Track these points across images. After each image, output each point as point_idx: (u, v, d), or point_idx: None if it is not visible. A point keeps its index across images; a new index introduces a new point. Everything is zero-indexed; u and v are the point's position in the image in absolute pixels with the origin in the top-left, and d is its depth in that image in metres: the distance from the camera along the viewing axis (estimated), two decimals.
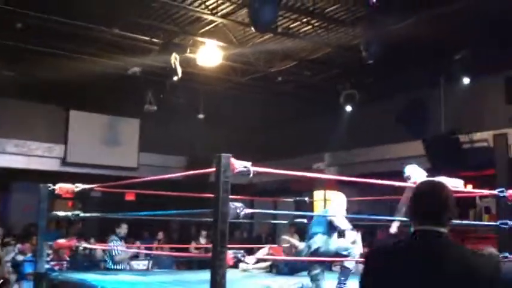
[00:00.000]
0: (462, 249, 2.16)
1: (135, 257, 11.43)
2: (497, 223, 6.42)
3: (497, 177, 10.62)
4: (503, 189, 6.48)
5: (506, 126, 10.76)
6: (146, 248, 11.30)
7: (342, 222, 6.25)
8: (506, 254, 6.40)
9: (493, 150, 10.79)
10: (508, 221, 6.35)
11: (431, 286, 2.05)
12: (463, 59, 10.59)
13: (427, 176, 6.82)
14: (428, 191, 2.27)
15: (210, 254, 4.36)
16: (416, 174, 6.81)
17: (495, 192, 6.58)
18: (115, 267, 8.75)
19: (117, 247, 8.84)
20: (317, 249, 6.17)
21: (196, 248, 12.02)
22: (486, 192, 7.34)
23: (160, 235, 12.61)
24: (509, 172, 10.52)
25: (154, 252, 11.24)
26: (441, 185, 2.28)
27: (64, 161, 14.22)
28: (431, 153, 11.17)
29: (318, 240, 6.19)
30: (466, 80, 10.84)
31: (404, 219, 6.64)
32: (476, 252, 2.19)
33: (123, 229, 8.97)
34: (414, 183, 6.70)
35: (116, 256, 8.87)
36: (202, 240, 12.48)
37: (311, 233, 6.31)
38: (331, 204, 6.85)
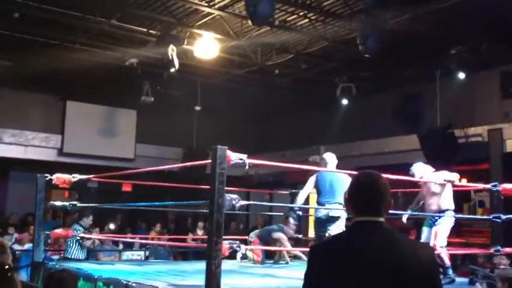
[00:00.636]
0: (401, 238, 2.20)
1: (130, 247, 11.51)
2: (491, 217, 6.52)
3: (490, 171, 10.71)
4: (497, 183, 6.58)
5: (500, 121, 10.83)
6: (142, 239, 11.38)
7: None
8: (499, 247, 6.52)
9: (488, 145, 10.86)
10: (501, 215, 6.45)
11: (375, 274, 2.08)
12: (459, 53, 10.65)
13: (434, 172, 6.89)
14: (365, 182, 2.27)
15: (206, 245, 4.44)
16: (419, 171, 6.85)
17: (488, 186, 6.68)
18: (73, 257, 8.46)
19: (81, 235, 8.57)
20: (335, 218, 6.24)
21: (193, 240, 12.09)
22: (480, 186, 7.42)
23: (158, 227, 12.65)
24: (503, 167, 10.61)
25: (150, 241, 11.30)
26: (377, 177, 2.27)
27: (61, 151, 14.26)
28: (426, 147, 11.24)
29: (338, 210, 6.19)
30: (462, 75, 10.90)
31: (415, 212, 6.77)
32: (414, 240, 2.29)
33: (89, 220, 8.86)
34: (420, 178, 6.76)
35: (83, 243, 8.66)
36: (200, 232, 12.54)
37: (326, 200, 6.32)
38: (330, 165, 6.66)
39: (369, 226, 2.18)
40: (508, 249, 6.52)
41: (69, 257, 8.38)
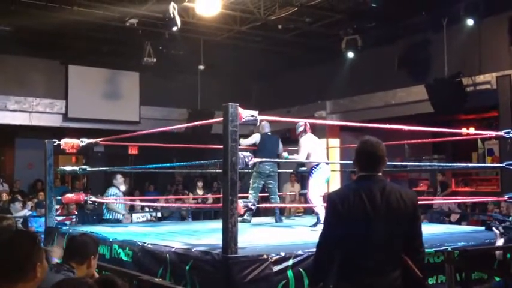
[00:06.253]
0: (392, 186, 3.00)
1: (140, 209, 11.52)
2: (503, 164, 6.45)
3: (499, 119, 10.59)
4: (510, 130, 6.49)
5: (510, 67, 10.63)
6: (152, 201, 11.37)
7: None
8: (511, 195, 6.47)
9: (496, 92, 10.70)
10: None
11: (378, 211, 2.87)
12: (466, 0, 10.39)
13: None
14: (369, 149, 3.00)
15: (220, 204, 4.39)
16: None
17: (501, 133, 6.59)
18: (111, 217, 8.78)
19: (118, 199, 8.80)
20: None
21: (194, 199, 11.98)
22: (492, 133, 7.31)
23: (169, 187, 12.59)
24: None
25: (158, 204, 11.30)
26: (378, 143, 3.02)
27: (66, 117, 14.18)
28: (434, 98, 11.10)
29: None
30: (470, 22, 10.66)
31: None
32: (400, 187, 3.05)
33: (120, 179, 8.89)
34: None
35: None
36: (200, 192, 12.45)
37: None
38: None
39: (370, 178, 2.98)
40: None
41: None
